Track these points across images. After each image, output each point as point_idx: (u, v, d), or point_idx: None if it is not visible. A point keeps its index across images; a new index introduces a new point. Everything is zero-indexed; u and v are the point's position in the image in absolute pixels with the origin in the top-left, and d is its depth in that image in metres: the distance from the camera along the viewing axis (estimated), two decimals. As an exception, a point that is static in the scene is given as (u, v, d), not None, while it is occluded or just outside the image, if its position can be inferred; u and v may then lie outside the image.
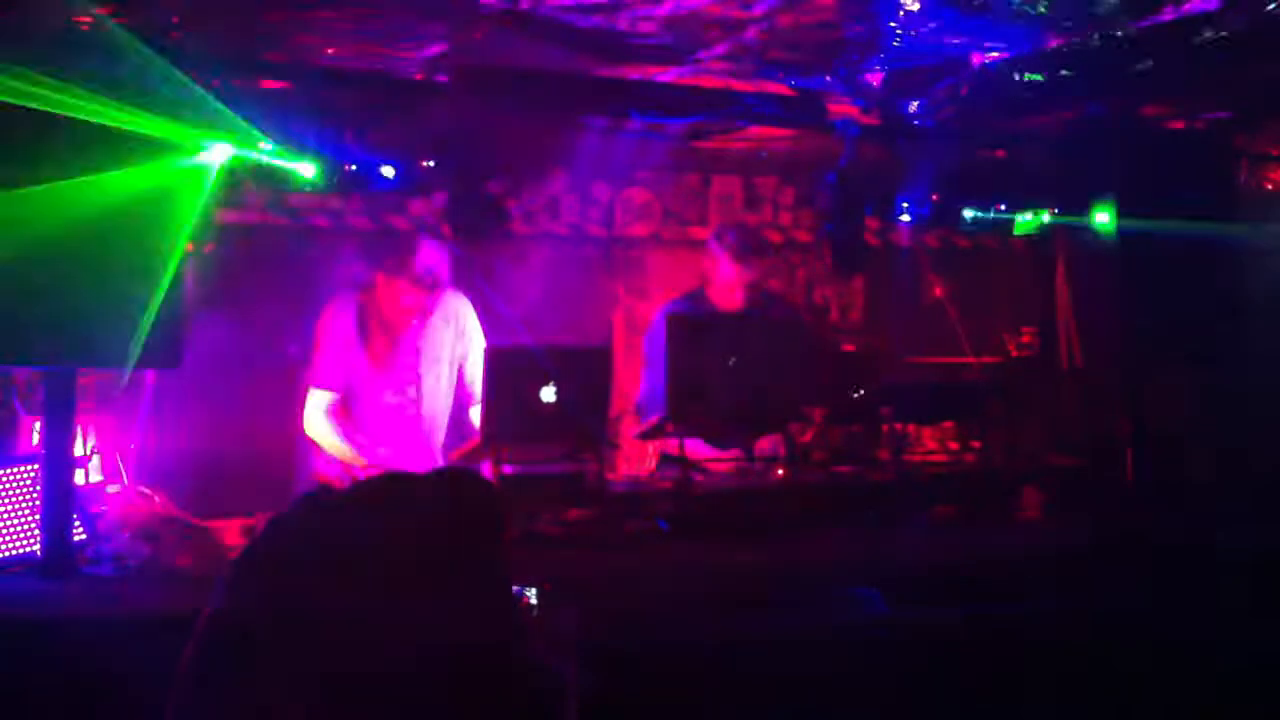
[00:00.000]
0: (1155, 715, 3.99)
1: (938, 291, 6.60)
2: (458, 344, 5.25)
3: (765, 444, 5.43)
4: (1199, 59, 5.04)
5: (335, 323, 5.16)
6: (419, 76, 5.39)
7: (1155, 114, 6.23)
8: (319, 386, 5.13)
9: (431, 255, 4.98)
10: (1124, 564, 4.33)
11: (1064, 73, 5.33)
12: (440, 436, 5.26)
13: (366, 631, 2.24)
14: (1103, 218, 6.24)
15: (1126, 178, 6.20)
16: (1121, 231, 6.14)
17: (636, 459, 6.08)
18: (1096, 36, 4.94)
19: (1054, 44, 5.06)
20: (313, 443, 5.16)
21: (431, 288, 5.01)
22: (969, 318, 6.31)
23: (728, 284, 5.44)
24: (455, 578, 2.44)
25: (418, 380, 5.18)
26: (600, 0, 4.49)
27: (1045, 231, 7.21)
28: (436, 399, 5.23)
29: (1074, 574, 4.32)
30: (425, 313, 5.12)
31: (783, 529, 4.56)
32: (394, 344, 5.15)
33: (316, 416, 5.12)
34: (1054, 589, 4.25)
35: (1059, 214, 6.99)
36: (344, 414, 5.15)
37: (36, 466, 4.18)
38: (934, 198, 6.57)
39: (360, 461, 4.97)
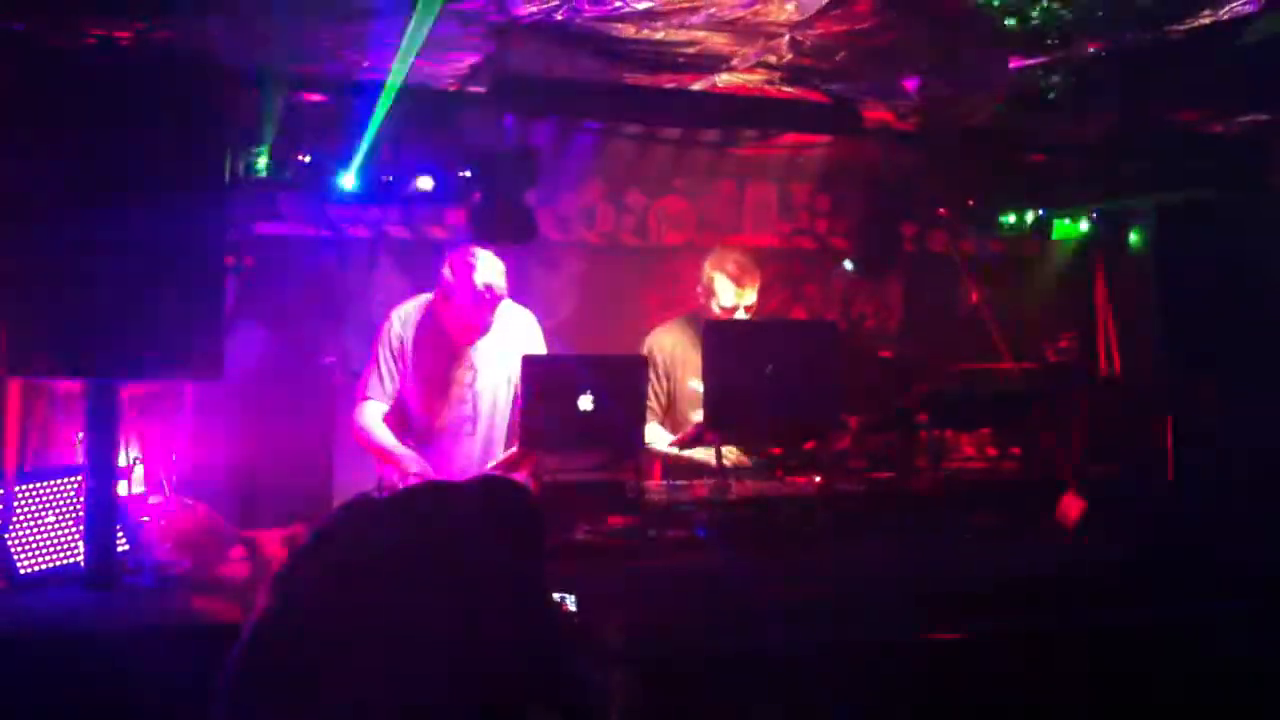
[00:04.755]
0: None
1: (975, 298, 6.56)
2: (518, 359, 5.19)
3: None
4: (1237, 62, 5.00)
5: (396, 335, 5.14)
6: (455, 87, 5.42)
7: (1192, 118, 6.18)
8: (372, 399, 5.12)
9: (489, 270, 4.94)
10: (1166, 574, 4.30)
11: (1101, 77, 5.30)
12: (499, 451, 5.21)
13: (408, 639, 2.25)
14: (1141, 222, 6.20)
15: (1164, 182, 6.16)
16: (1160, 236, 6.10)
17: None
18: (1133, 40, 4.91)
19: (1091, 48, 5.03)
20: (365, 446, 5.16)
21: (490, 304, 4.99)
22: (1006, 324, 6.27)
23: (727, 311, 5.46)
24: (495, 586, 2.45)
25: (476, 397, 5.17)
26: (636, 10, 4.49)
27: (1083, 236, 7.17)
28: (495, 415, 5.21)
29: (1114, 584, 4.28)
30: (484, 328, 5.10)
31: (820, 537, 4.55)
32: (453, 360, 5.14)
33: (369, 420, 5.11)
34: (1094, 599, 4.22)
35: (1097, 219, 6.96)
36: (398, 423, 5.15)
37: (79, 478, 4.22)
38: (970, 203, 6.55)
39: (413, 466, 4.95)
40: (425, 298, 5.19)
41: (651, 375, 5.44)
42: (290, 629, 2.27)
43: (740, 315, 5.47)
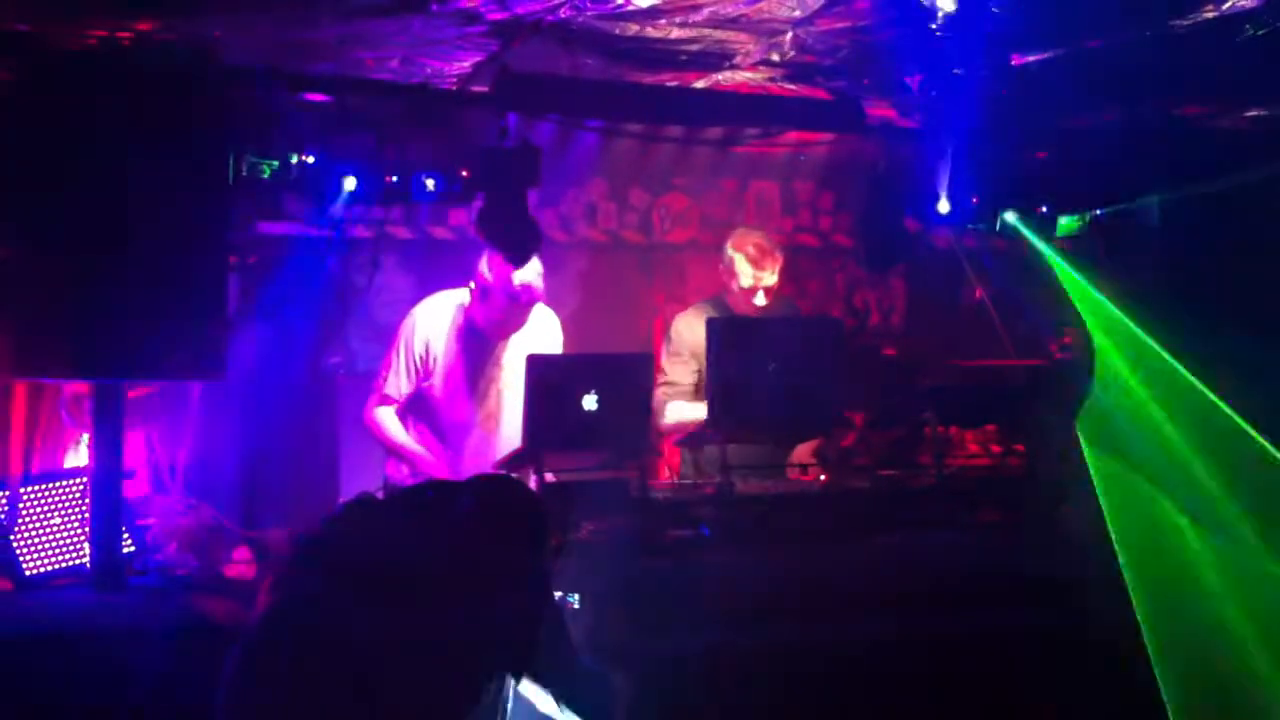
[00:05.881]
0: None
1: (978, 294, 6.55)
2: None
3: (805, 449, 5.43)
4: (1241, 57, 4.99)
5: (421, 335, 5.14)
6: (457, 87, 5.41)
7: (1197, 114, 6.16)
8: (388, 392, 5.14)
9: (527, 270, 4.96)
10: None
11: (1104, 73, 5.29)
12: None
13: (410, 635, 2.26)
14: (1145, 218, 6.19)
15: (1169, 178, 6.15)
16: (1164, 231, 6.10)
17: (673, 464, 6.06)
18: (1137, 36, 4.90)
19: (1093, 44, 5.02)
20: (379, 439, 5.18)
21: (527, 304, 5.02)
22: (1010, 320, 6.26)
23: (747, 291, 5.47)
24: (496, 583, 2.45)
25: (502, 394, 5.17)
26: (639, 7, 4.49)
27: (1087, 233, 7.15)
28: (518, 412, 5.19)
29: (1115, 581, 4.29)
30: (516, 327, 5.12)
31: (825, 534, 4.55)
32: (485, 357, 5.15)
33: (383, 416, 5.14)
34: (1097, 595, 4.22)
35: (1101, 215, 6.93)
36: (424, 419, 5.17)
37: (85, 479, 4.23)
38: (974, 200, 6.53)
39: (428, 457, 4.98)
40: (457, 295, 5.19)
41: (677, 357, 5.49)
42: (292, 628, 2.27)
43: (759, 297, 5.49)
